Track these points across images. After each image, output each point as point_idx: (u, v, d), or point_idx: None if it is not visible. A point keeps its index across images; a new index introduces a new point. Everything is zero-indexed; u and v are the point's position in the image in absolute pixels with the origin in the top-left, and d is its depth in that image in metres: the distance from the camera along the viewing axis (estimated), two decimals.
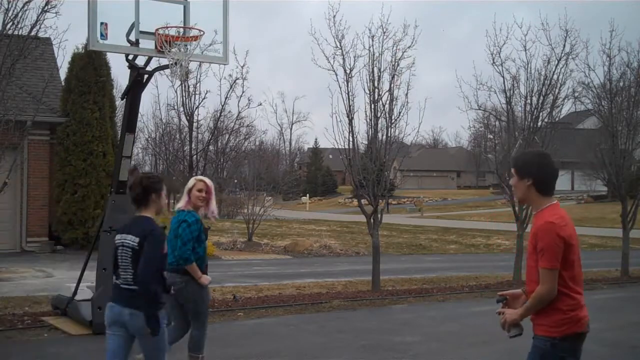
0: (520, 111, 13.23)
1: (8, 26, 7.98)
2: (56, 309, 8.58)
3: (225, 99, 13.60)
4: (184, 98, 13.16)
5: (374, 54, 11.04)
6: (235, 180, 25.22)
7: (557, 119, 14.18)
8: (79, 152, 16.86)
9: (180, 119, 13.98)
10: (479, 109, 13.48)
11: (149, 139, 25.92)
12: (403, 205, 55.99)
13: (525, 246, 17.52)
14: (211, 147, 14.65)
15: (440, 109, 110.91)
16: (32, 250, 16.66)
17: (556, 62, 12.64)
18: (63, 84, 17.60)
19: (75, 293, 8.27)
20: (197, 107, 13.11)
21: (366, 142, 11.96)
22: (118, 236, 4.29)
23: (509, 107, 13.03)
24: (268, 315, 9.12)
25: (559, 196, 53.98)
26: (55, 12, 8.33)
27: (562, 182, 57.91)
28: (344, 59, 10.95)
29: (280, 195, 49.03)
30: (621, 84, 14.36)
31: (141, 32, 7.75)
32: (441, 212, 48.45)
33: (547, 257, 3.42)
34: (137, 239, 4.13)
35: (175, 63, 7.79)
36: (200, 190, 5.69)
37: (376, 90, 11.09)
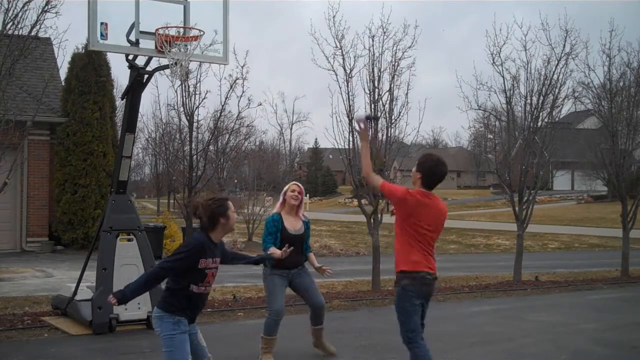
0: (520, 111, 13.21)
1: (8, 26, 7.98)
2: (56, 309, 8.59)
3: (225, 99, 13.51)
4: (184, 98, 13.06)
5: (374, 54, 11.05)
6: (236, 180, 25.20)
7: (557, 119, 14.17)
8: (79, 152, 16.87)
9: (180, 119, 13.89)
10: (479, 109, 13.45)
11: (149, 139, 25.87)
12: None
13: (525, 246, 17.34)
14: (211, 147, 14.57)
15: (440, 109, 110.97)
16: (32, 250, 16.67)
17: (556, 62, 12.62)
18: (63, 84, 17.61)
19: (75, 293, 8.27)
20: (197, 107, 13.02)
21: None
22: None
23: (509, 107, 13.01)
24: None
25: (559, 196, 54.15)
26: (55, 12, 8.33)
27: (562, 182, 57.80)
28: (344, 59, 10.97)
29: (280, 195, 48.90)
30: (621, 84, 14.37)
31: (141, 32, 7.76)
32: None
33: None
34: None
35: (175, 63, 7.79)
36: (293, 191, 6.70)
37: (376, 90, 11.10)
